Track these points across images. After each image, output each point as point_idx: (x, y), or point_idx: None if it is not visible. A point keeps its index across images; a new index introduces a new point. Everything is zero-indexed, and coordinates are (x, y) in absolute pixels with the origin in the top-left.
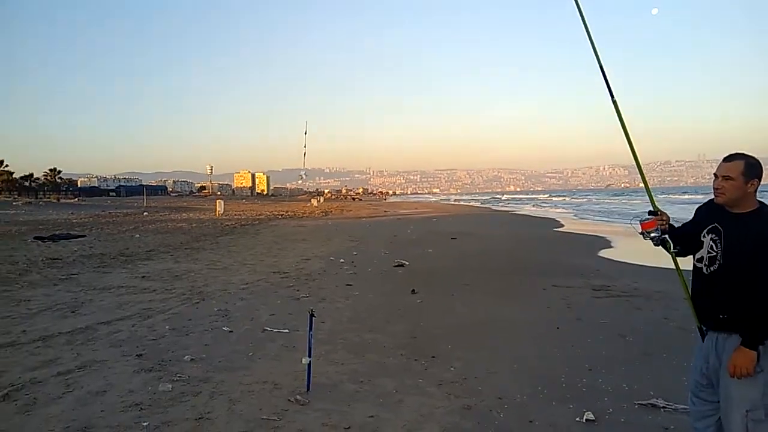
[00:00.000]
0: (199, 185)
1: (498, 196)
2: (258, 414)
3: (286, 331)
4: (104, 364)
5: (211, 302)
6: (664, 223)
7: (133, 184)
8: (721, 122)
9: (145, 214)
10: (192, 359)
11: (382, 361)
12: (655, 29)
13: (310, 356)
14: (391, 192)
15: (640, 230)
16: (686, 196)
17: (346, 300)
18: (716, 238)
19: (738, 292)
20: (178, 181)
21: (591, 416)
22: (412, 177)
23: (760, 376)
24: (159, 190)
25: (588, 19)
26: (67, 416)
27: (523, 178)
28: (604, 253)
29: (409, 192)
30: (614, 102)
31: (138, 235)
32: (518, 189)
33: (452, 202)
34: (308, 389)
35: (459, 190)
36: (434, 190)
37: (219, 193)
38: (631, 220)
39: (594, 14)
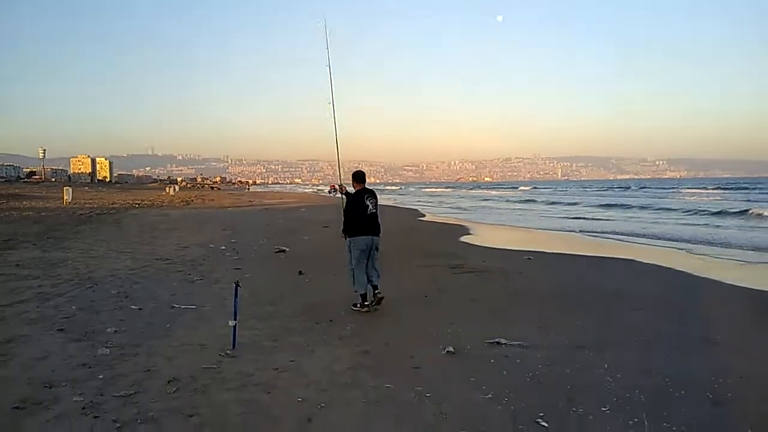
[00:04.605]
0: (27, 170)
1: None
2: (198, 364)
3: (194, 306)
4: (30, 338)
5: (105, 286)
6: (340, 189)
7: None
8: (556, 121)
9: None
10: (115, 331)
11: (289, 325)
12: (500, 35)
13: (235, 319)
14: (251, 181)
15: (328, 189)
16: (522, 189)
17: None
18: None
19: None
20: (2, 165)
21: (452, 349)
22: (273, 167)
23: (347, 253)
24: None
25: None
26: (24, 376)
27: (382, 170)
28: (465, 239)
29: (270, 182)
30: (336, 138)
31: None
32: (378, 181)
33: (317, 192)
34: (234, 346)
35: (321, 181)
36: (296, 180)
37: (53, 179)
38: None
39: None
